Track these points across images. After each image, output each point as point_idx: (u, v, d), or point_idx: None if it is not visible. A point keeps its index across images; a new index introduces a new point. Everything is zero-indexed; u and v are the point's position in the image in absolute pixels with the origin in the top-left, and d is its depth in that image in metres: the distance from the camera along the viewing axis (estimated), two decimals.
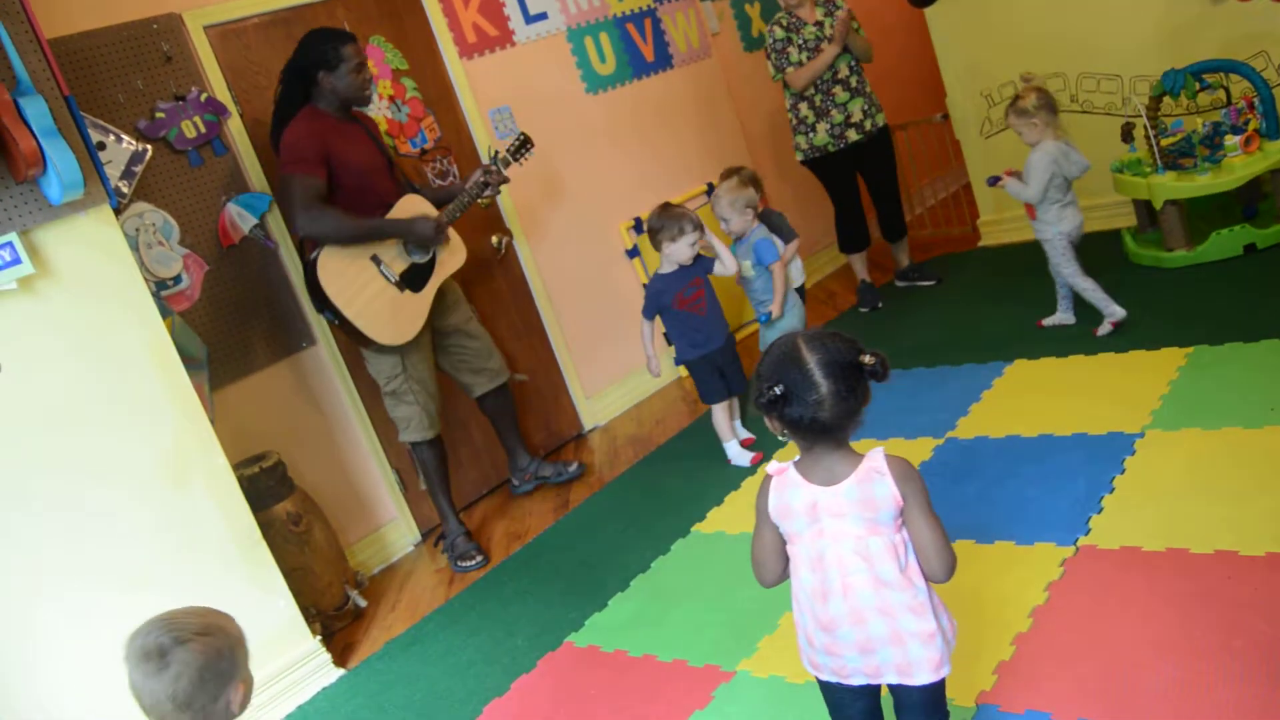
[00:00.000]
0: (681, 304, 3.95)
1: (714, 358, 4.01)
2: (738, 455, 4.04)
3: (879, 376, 1.76)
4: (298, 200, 3.57)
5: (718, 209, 4.15)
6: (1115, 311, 4.08)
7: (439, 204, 3.91)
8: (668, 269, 3.96)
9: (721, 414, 4.07)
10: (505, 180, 3.99)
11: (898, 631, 1.80)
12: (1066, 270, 4.16)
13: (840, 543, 1.80)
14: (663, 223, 3.91)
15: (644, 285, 5.02)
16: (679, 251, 3.91)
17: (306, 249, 3.73)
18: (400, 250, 3.81)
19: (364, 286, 3.71)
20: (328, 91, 3.71)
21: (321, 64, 3.67)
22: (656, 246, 3.99)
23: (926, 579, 1.82)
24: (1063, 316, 4.30)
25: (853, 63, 5.10)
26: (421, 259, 3.85)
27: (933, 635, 1.81)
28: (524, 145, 4.07)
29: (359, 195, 3.71)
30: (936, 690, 1.88)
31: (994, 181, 4.26)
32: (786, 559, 1.90)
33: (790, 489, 1.85)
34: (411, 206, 3.82)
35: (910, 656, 1.82)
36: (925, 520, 1.77)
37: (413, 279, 3.80)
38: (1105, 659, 2.31)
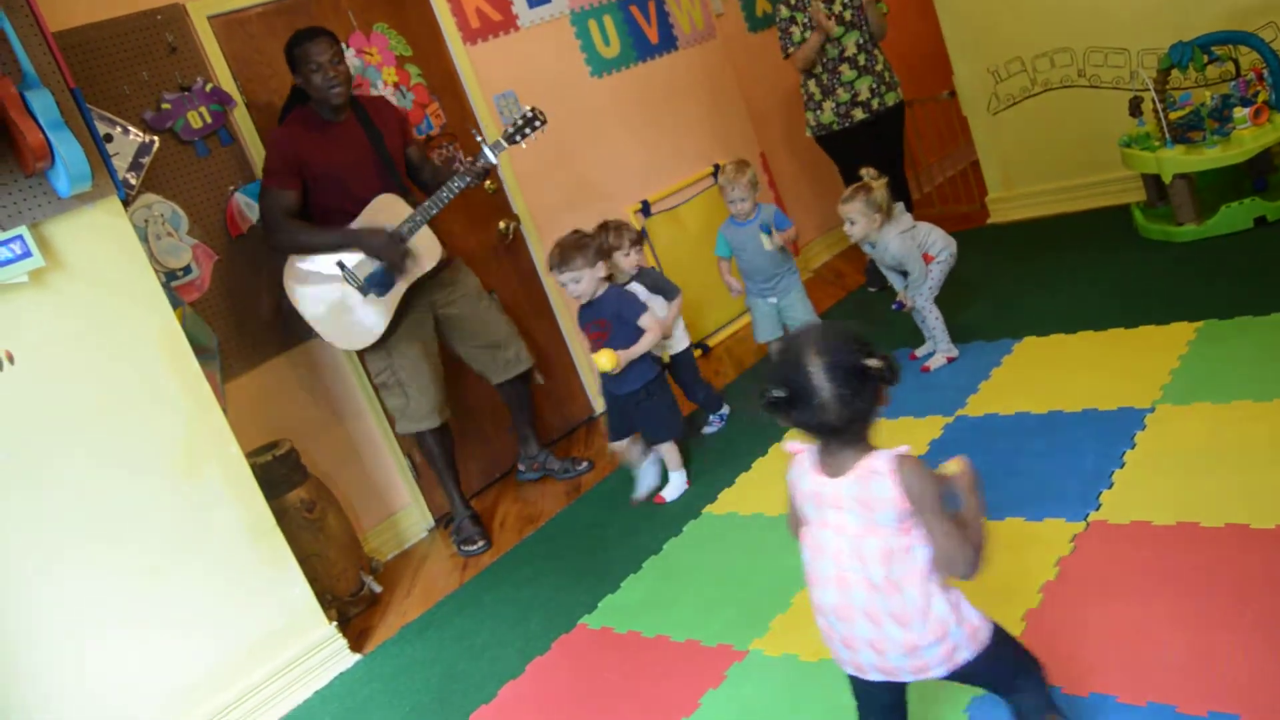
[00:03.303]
0: (589, 338, 3.84)
1: (617, 401, 3.86)
2: (643, 484, 3.93)
3: (888, 380, 1.74)
4: (264, 214, 3.78)
5: (734, 193, 4.20)
6: (951, 348, 4.14)
7: (437, 190, 3.78)
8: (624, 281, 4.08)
9: (625, 452, 3.95)
10: (486, 171, 3.79)
11: (880, 638, 1.79)
12: (926, 297, 4.09)
13: (839, 536, 1.80)
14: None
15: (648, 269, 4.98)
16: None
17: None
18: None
19: (327, 291, 3.76)
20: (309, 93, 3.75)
21: (292, 67, 3.72)
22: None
23: (944, 579, 1.79)
24: (947, 348, 4.16)
25: (862, 40, 5.07)
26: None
27: (914, 648, 1.78)
28: (530, 123, 3.84)
29: (337, 197, 3.76)
30: (976, 668, 1.83)
31: (899, 307, 4.30)
32: None
33: (801, 473, 1.86)
34: (380, 211, 3.78)
35: (890, 663, 1.81)
36: (936, 523, 1.74)
37: (380, 282, 3.76)
38: (1117, 634, 2.31)
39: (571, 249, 3.68)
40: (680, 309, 4.23)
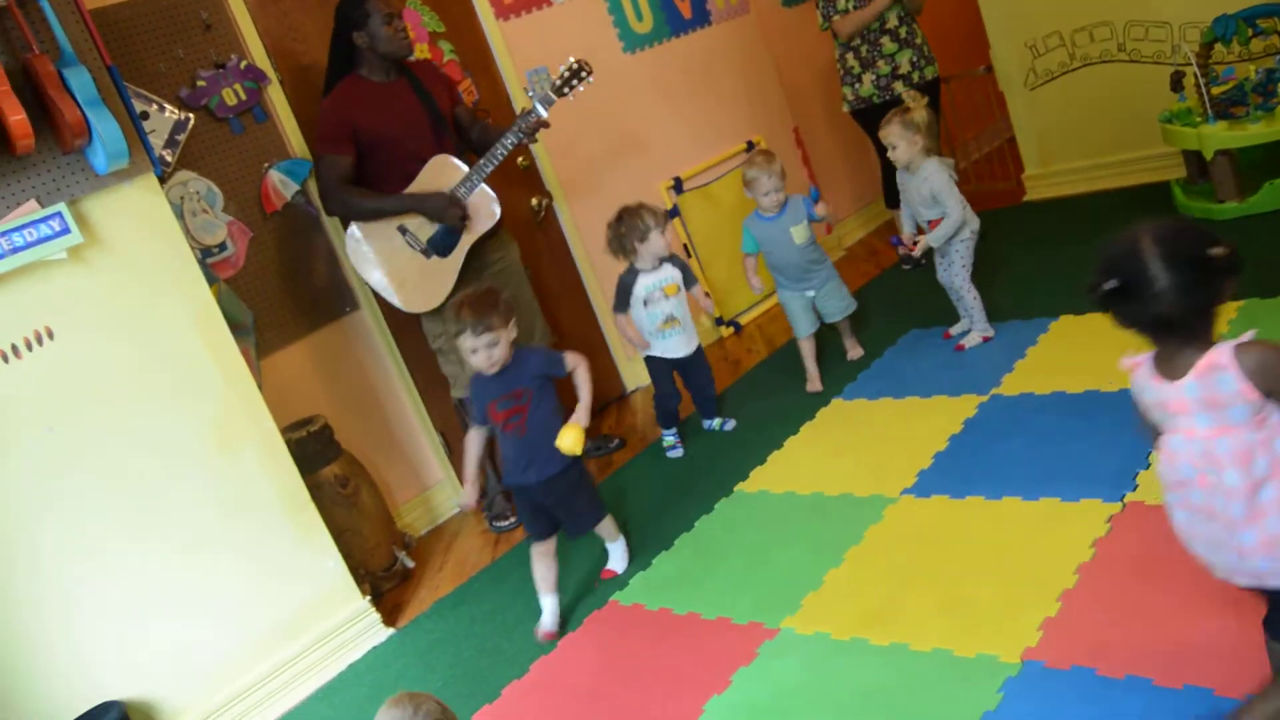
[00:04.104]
0: (496, 418, 3.12)
1: (532, 493, 3.16)
2: (547, 618, 3.15)
3: (1231, 270, 1.63)
4: (321, 181, 3.77)
5: (766, 184, 4.01)
6: (988, 327, 4.08)
7: (488, 149, 3.77)
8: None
9: (540, 561, 3.19)
10: (543, 124, 3.76)
11: (1235, 541, 1.68)
12: (964, 276, 4.03)
13: (1190, 443, 1.69)
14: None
15: (676, 256, 4.95)
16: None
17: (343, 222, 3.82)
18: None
19: (390, 256, 3.75)
20: (367, 52, 3.72)
21: (353, 25, 3.69)
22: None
23: None
24: (984, 327, 4.11)
25: (903, 13, 5.02)
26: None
27: (1270, 544, 1.64)
28: (576, 74, 3.81)
29: (391, 160, 3.74)
30: None
31: (897, 242, 4.17)
32: None
33: (1142, 384, 1.76)
34: (435, 173, 3.79)
35: (1254, 566, 1.69)
36: None
37: (441, 244, 3.79)
38: (1152, 615, 2.29)
39: (486, 306, 3.00)
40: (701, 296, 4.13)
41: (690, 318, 4.08)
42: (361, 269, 3.79)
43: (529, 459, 3.10)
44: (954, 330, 4.20)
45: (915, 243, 4.01)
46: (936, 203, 3.92)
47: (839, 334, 4.38)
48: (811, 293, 4.17)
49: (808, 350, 4.25)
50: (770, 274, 4.29)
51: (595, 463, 4.34)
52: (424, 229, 3.77)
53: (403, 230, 3.76)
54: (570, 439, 3.04)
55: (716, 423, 4.20)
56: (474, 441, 3.20)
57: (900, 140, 3.92)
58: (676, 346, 4.05)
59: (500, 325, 2.99)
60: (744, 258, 4.27)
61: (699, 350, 4.13)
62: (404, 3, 4.32)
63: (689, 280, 4.07)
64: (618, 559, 3.38)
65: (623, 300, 4.02)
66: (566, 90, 3.82)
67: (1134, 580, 2.43)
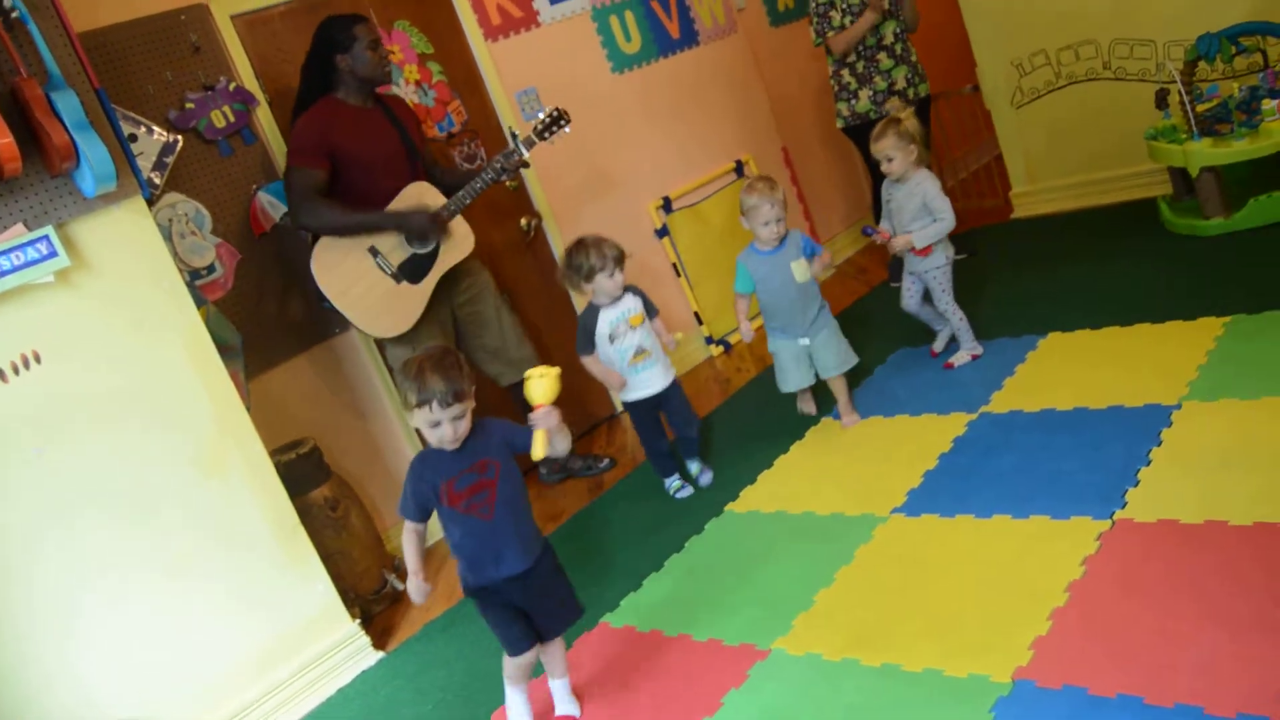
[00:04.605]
0: (453, 500, 2.53)
1: (506, 593, 2.60)
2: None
3: None
4: (294, 192, 3.67)
5: (766, 213, 3.67)
6: (976, 345, 4.08)
7: (452, 191, 3.84)
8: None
9: (522, 678, 2.76)
10: (523, 165, 3.87)
11: None
12: (948, 299, 4.02)
13: None
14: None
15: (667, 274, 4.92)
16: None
17: (310, 240, 3.77)
18: (400, 241, 3.78)
19: (359, 278, 3.72)
20: (347, 75, 3.73)
21: (336, 47, 3.70)
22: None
23: None
24: (947, 334, 4.17)
25: (899, 30, 5.05)
26: (422, 249, 3.81)
27: None
28: (555, 121, 3.90)
29: (367, 185, 3.73)
30: None
31: (870, 232, 4.04)
32: None
33: None
34: (414, 196, 3.79)
35: None
36: None
37: (412, 270, 3.77)
38: (1143, 633, 2.29)
39: (452, 369, 2.46)
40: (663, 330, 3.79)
41: (662, 348, 3.80)
42: (326, 288, 3.68)
43: (498, 549, 2.55)
44: (937, 347, 4.20)
45: (891, 237, 3.99)
46: (927, 211, 3.90)
47: (833, 395, 3.97)
48: (806, 340, 3.83)
49: (804, 402, 4.07)
50: (761, 318, 4.00)
51: (585, 483, 4.33)
52: (396, 253, 3.76)
53: (374, 252, 3.75)
54: (546, 386, 2.56)
55: (695, 467, 3.96)
56: (416, 535, 2.60)
57: (897, 151, 3.89)
58: (652, 380, 3.75)
59: (470, 393, 2.49)
60: (736, 299, 3.90)
61: (676, 384, 3.82)
62: (393, 25, 4.34)
63: (650, 310, 3.77)
64: (567, 701, 2.81)
65: (586, 341, 3.72)
66: (546, 135, 3.89)
67: (1124, 598, 2.43)
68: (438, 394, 2.42)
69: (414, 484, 2.56)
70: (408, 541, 2.60)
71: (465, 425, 2.50)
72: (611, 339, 3.70)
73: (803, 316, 3.80)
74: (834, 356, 3.84)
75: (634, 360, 3.71)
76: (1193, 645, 2.20)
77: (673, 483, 3.92)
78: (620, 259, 3.62)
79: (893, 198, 4.03)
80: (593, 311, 3.71)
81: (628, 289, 3.71)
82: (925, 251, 3.95)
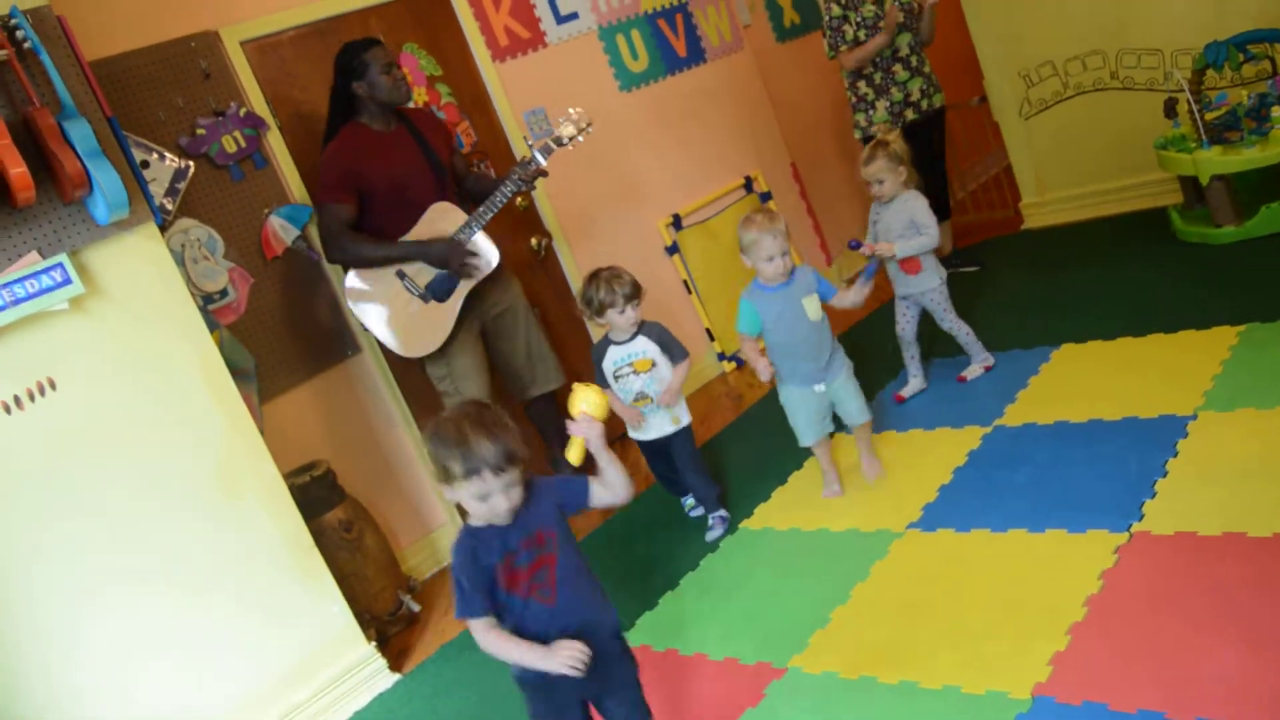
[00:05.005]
0: (513, 584, 2.10)
1: (577, 685, 2.13)
2: None
3: None
4: (322, 229, 3.79)
5: (769, 247, 3.30)
6: (987, 356, 4.06)
7: (483, 198, 3.85)
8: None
9: None
10: (541, 174, 3.86)
11: None
12: (951, 318, 3.99)
13: None
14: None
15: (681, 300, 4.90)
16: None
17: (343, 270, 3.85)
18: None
19: (389, 301, 3.78)
20: (367, 100, 3.77)
21: (352, 75, 3.74)
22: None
23: None
24: (918, 383, 4.13)
25: (914, 42, 5.08)
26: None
27: None
28: (580, 131, 3.93)
29: (393, 208, 3.77)
30: None
31: (857, 245, 3.85)
32: None
33: None
34: (436, 220, 3.82)
35: None
36: None
37: (439, 288, 3.81)
38: (1163, 647, 2.27)
39: (502, 431, 2.05)
40: (686, 375, 3.58)
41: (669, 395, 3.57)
42: (361, 315, 3.81)
43: (561, 630, 2.10)
44: (905, 392, 4.12)
45: (874, 247, 3.90)
46: (915, 229, 3.85)
47: (855, 444, 3.65)
48: (822, 386, 3.45)
49: (823, 452, 3.60)
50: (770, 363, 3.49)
51: None
52: (422, 274, 3.79)
53: (401, 275, 3.78)
54: (591, 398, 2.31)
55: (691, 503, 3.83)
56: (495, 630, 2.11)
57: (888, 174, 3.87)
58: (649, 428, 3.61)
59: (521, 453, 2.06)
60: (742, 340, 3.51)
61: (684, 433, 3.61)
62: (401, 48, 4.36)
63: (675, 354, 3.55)
64: None
65: (598, 375, 3.61)
66: (566, 141, 3.90)
67: (1143, 612, 2.41)
68: (488, 461, 1.99)
69: (470, 571, 2.07)
70: (495, 645, 2.10)
71: (519, 493, 2.08)
72: (616, 377, 3.57)
73: (817, 360, 3.42)
74: (856, 401, 3.50)
75: (635, 404, 3.57)
76: (1214, 659, 2.18)
77: (688, 500, 3.88)
78: (633, 294, 3.48)
79: (880, 218, 4.00)
80: (602, 346, 3.61)
81: (644, 328, 3.54)
82: (914, 269, 3.91)
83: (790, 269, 3.36)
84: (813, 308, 3.37)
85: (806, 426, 3.51)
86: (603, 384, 3.57)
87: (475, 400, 2.66)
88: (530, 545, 2.11)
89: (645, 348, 3.54)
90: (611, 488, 2.23)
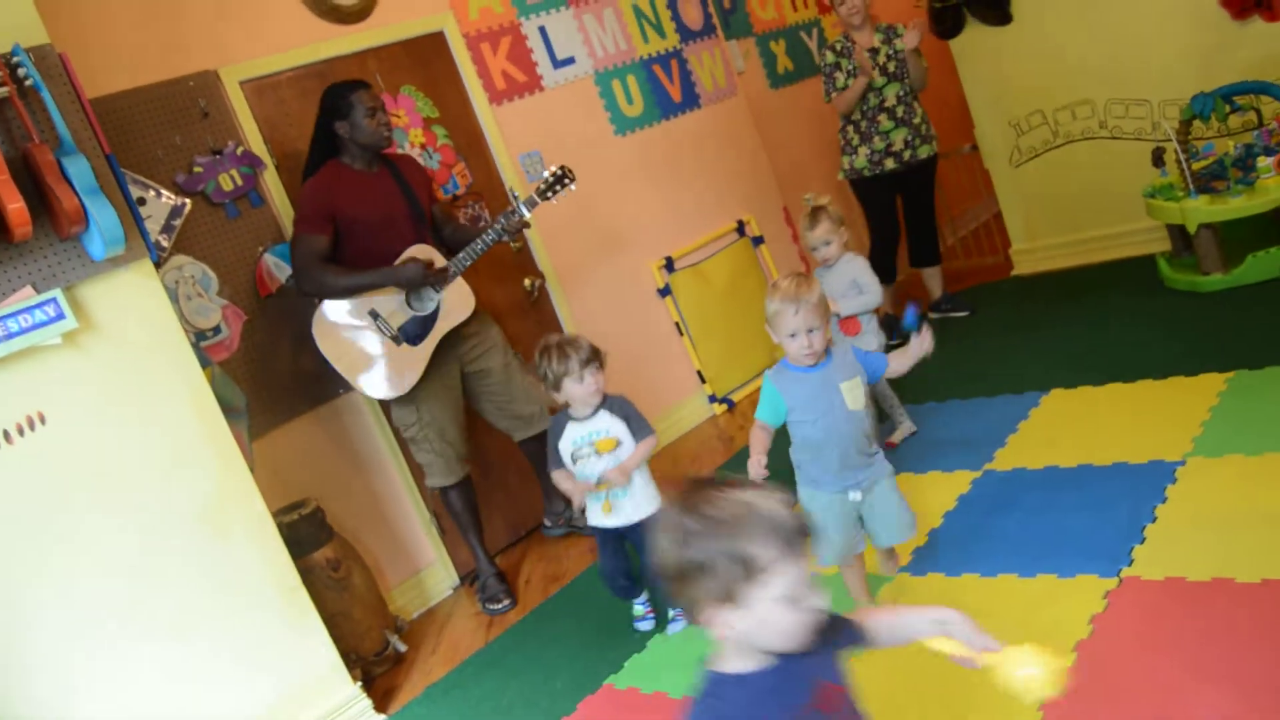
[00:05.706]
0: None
1: None
2: None
3: None
4: (297, 259, 3.77)
5: (803, 319, 2.67)
6: (909, 425, 4.11)
7: (460, 248, 3.88)
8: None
9: None
10: (524, 225, 3.87)
11: None
12: (882, 383, 3.97)
13: None
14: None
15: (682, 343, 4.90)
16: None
17: (317, 303, 3.83)
18: (400, 303, 3.83)
19: (356, 340, 3.78)
20: (348, 141, 3.81)
21: (336, 115, 3.77)
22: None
23: None
24: (908, 426, 4.14)
25: (902, 92, 5.13)
26: (423, 311, 3.85)
27: None
28: (559, 180, 3.92)
29: (370, 248, 3.79)
30: None
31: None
32: None
33: None
34: (412, 255, 3.84)
35: None
36: None
37: (413, 332, 3.81)
38: (1153, 692, 2.27)
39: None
40: (649, 455, 3.20)
41: (644, 478, 3.21)
42: (327, 351, 3.77)
43: None
44: (895, 438, 4.09)
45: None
46: (857, 289, 3.82)
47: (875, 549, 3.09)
48: (857, 495, 2.83)
49: (853, 577, 2.97)
50: (793, 461, 2.93)
51: (588, 541, 4.30)
52: (396, 316, 3.80)
53: (374, 315, 3.78)
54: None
55: (640, 610, 3.43)
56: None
57: (834, 236, 3.84)
58: (619, 511, 3.18)
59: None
60: (756, 430, 2.84)
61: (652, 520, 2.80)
62: (398, 89, 4.41)
63: (639, 431, 3.18)
64: None
65: (553, 455, 3.25)
66: (550, 194, 3.92)
67: (1134, 657, 2.40)
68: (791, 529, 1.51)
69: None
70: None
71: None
72: (574, 459, 3.19)
73: (854, 460, 2.79)
74: (895, 517, 2.88)
75: (597, 489, 3.17)
76: (1203, 705, 2.17)
77: (639, 606, 3.42)
78: (591, 359, 3.09)
79: (824, 280, 3.86)
80: (560, 423, 3.21)
81: (608, 402, 3.19)
82: (854, 330, 3.84)
83: (823, 349, 2.73)
84: (853, 395, 2.74)
85: (832, 540, 2.84)
86: (558, 465, 3.24)
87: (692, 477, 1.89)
88: (822, 689, 1.52)
89: (609, 425, 3.16)
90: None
